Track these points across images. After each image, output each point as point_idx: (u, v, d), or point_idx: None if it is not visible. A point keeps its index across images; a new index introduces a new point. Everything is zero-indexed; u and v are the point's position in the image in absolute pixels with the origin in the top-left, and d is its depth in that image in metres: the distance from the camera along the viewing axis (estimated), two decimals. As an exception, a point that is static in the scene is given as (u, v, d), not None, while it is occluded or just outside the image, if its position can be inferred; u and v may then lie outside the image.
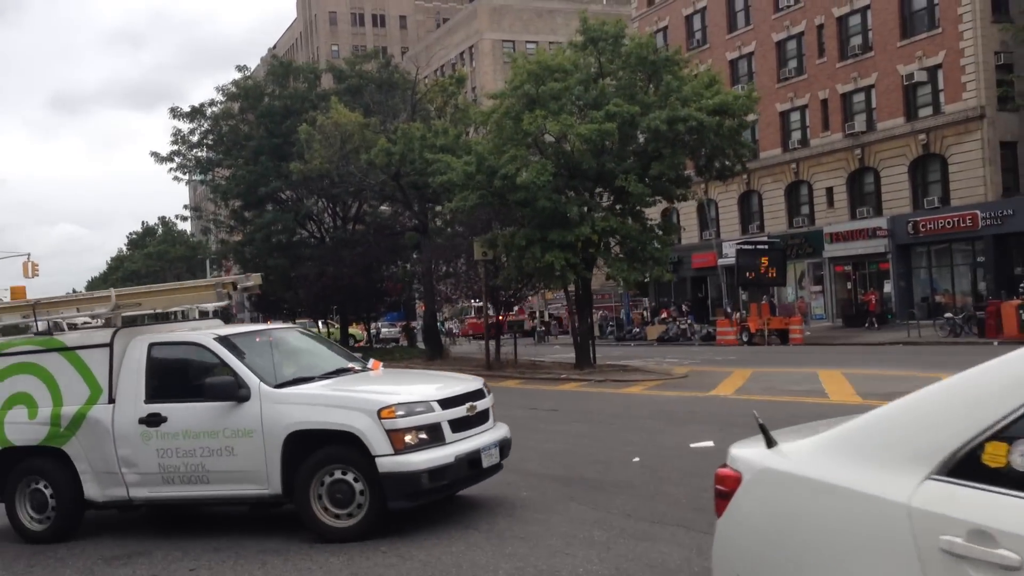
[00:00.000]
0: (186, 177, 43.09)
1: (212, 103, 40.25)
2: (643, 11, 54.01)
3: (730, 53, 47.55)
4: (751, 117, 24.33)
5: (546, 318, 57.01)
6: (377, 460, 7.39)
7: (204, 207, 44.45)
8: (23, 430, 8.60)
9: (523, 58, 23.97)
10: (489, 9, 77.45)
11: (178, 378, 8.65)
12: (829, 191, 42.75)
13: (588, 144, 22.23)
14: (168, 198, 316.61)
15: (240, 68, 39.30)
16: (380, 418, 7.43)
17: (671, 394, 18.13)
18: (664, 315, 48.15)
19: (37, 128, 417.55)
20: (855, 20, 41.90)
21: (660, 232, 23.99)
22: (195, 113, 40.00)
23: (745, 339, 38.16)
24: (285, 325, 13.01)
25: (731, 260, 40.48)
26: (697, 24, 50.66)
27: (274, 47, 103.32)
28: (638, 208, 24.01)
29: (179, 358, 8.74)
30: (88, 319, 9.76)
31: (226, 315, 9.48)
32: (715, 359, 26.78)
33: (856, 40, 41.41)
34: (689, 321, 46.40)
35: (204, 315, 10.29)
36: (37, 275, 54.63)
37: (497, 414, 15.17)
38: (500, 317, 31.98)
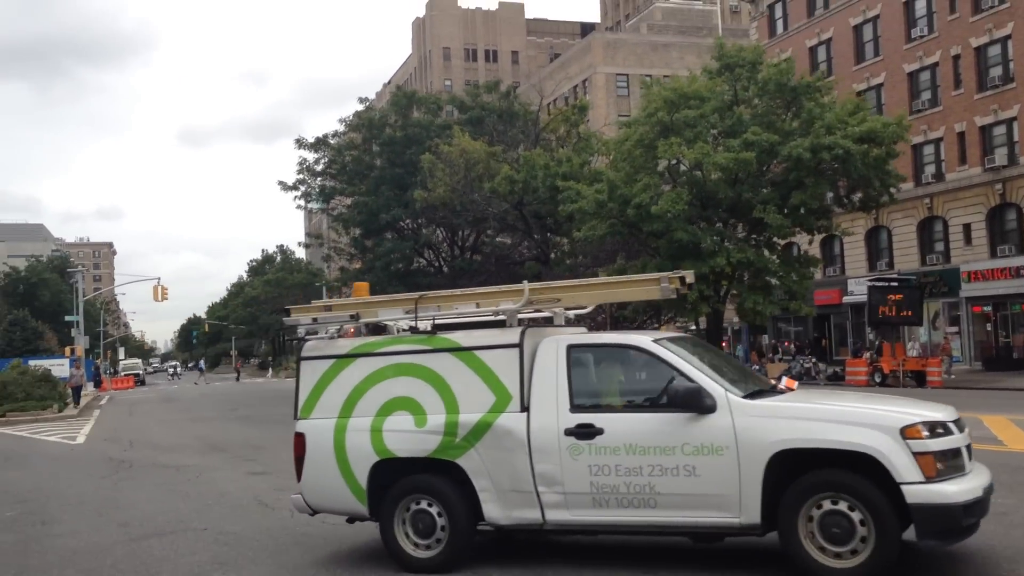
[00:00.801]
0: (310, 205, 44.12)
1: (336, 134, 41.18)
2: (764, 42, 52.98)
3: (857, 84, 45.99)
4: (900, 146, 23.24)
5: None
6: (904, 488, 6.24)
7: (325, 235, 45.31)
8: (408, 439, 7.64)
9: (658, 84, 23.52)
10: (603, 43, 77.56)
11: (611, 385, 7.78)
12: (967, 227, 40.70)
13: (724, 173, 21.63)
14: (284, 228, 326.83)
15: (363, 100, 40.18)
16: (904, 438, 6.33)
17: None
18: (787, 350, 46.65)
19: (162, 161, 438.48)
20: (994, 51, 39.99)
21: (798, 265, 23.04)
22: (319, 144, 40.97)
23: (878, 380, 36.49)
24: (670, 333, 11.39)
25: (859, 297, 38.88)
26: (822, 55, 49.25)
27: (389, 82, 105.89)
28: (774, 239, 23.19)
29: (609, 362, 7.85)
30: (407, 324, 8.33)
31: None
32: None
33: (996, 71, 39.51)
34: (813, 360, 44.80)
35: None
36: (166, 299, 57.00)
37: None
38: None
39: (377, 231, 40.29)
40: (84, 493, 13.35)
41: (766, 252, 22.59)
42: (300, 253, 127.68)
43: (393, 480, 7.71)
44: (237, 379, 75.25)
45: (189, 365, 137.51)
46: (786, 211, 21.73)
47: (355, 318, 8.34)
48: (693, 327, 28.64)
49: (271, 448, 18.26)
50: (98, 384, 59.86)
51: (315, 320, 8.56)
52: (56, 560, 9.03)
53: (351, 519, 8.45)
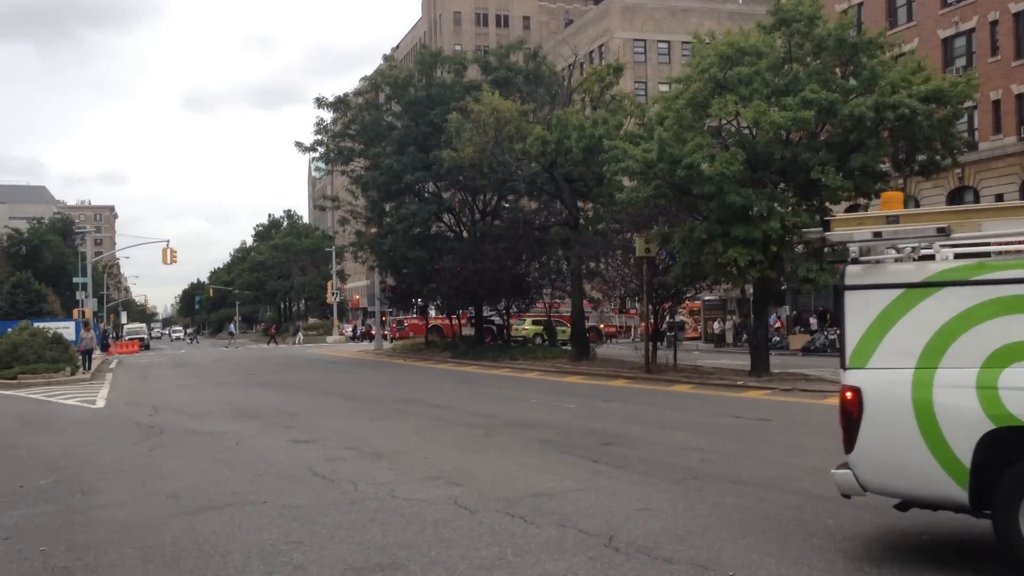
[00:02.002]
0: (327, 167, 42.94)
1: (357, 92, 39.92)
2: (792, 6, 51.46)
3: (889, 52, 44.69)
4: (967, 104, 22.06)
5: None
6: None
7: (341, 199, 44.15)
8: None
9: (711, 38, 22.29)
10: (621, 8, 75.88)
11: None
12: (998, 198, 39.53)
13: (780, 133, 20.49)
14: (289, 194, 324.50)
15: (387, 58, 38.83)
16: None
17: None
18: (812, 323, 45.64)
19: (166, 126, 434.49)
20: (1034, 16, 38.76)
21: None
22: (339, 103, 39.71)
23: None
24: None
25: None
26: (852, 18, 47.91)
27: (397, 47, 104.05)
28: (826, 204, 22.11)
29: None
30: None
31: None
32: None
33: (1036, 38, 38.28)
34: (838, 332, 43.76)
35: None
36: (175, 262, 55.93)
37: (703, 421, 13.62)
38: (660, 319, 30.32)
39: (397, 194, 39.14)
40: (120, 460, 12.41)
41: (817, 217, 21.37)
42: (308, 218, 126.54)
43: (1017, 457, 5.80)
44: (272, 343, 72.38)
45: (189, 331, 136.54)
46: (841, 174, 20.48)
47: (944, 232, 6.25)
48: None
49: (306, 415, 17.37)
50: (106, 348, 58.93)
51: (877, 235, 6.43)
52: (107, 536, 8.09)
53: (906, 505, 6.53)
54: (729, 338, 54.63)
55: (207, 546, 7.60)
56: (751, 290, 25.17)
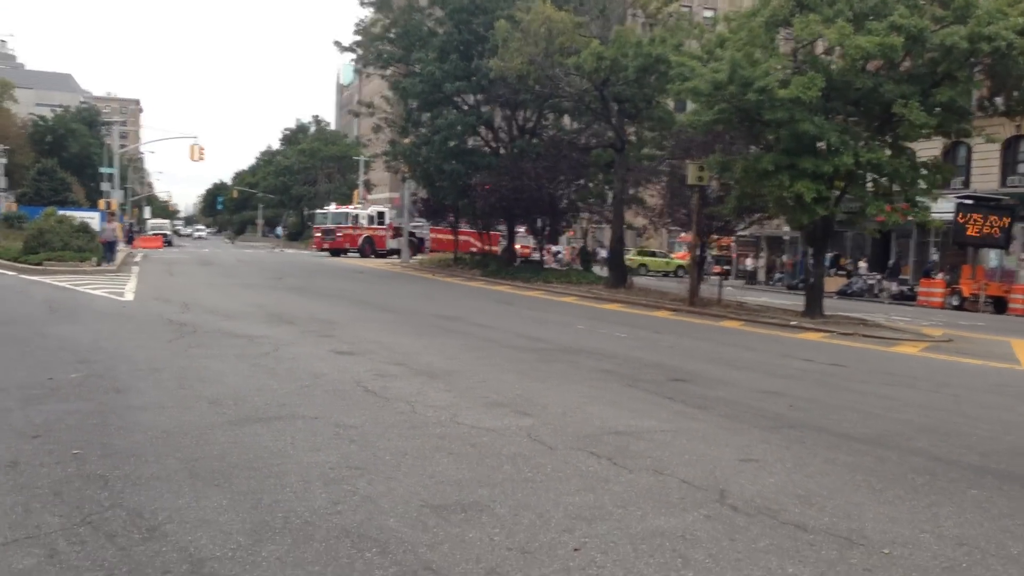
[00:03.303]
0: (364, 70, 41.48)
1: (400, -8, 38.23)
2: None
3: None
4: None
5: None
6: None
7: (376, 104, 42.73)
8: None
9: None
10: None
11: None
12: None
13: (864, 60, 19.05)
14: (315, 100, 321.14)
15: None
16: None
17: (966, 361, 15.33)
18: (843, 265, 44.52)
19: (192, 22, 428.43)
20: None
21: (928, 172, 20.63)
22: (383, 4, 38.03)
23: (955, 303, 34.52)
24: None
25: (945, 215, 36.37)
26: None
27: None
28: (901, 141, 20.76)
29: None
30: None
31: None
32: (958, 323, 23.58)
33: None
34: (878, 277, 42.73)
35: None
36: (203, 159, 54.92)
37: (771, 362, 12.66)
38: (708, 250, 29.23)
39: (435, 103, 37.71)
40: (155, 358, 11.59)
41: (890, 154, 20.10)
42: (335, 125, 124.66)
43: None
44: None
45: (226, 231, 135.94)
46: (923, 109, 19.09)
47: None
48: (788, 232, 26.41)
49: (344, 324, 16.54)
50: (130, 241, 58.46)
51: None
52: (146, 442, 7.27)
53: None
54: (761, 276, 53.62)
55: (259, 463, 6.76)
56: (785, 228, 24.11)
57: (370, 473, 6.61)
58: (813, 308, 21.78)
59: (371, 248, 56.68)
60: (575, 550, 5.15)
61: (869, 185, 20.97)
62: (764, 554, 5.18)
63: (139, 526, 5.36)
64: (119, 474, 6.38)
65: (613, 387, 10.76)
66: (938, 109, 19.50)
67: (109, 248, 34.10)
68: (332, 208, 60.72)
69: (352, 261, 51.07)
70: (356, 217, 57.83)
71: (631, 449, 7.58)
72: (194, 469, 6.56)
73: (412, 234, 56.94)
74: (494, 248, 56.13)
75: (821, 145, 20.54)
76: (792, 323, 20.66)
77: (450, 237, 51.94)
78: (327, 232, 57.45)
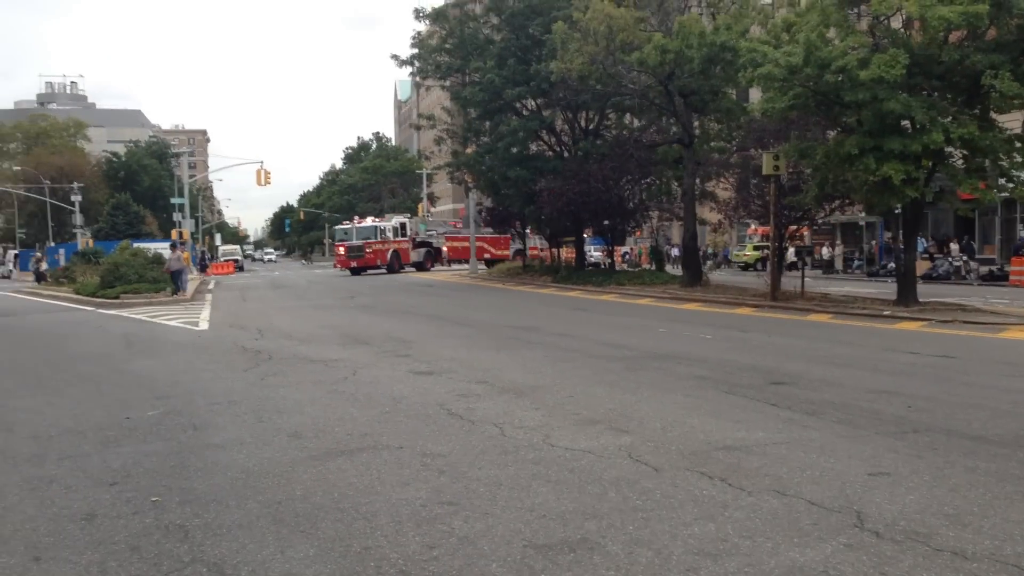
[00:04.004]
0: (423, 83, 41.36)
1: (455, 4, 37.94)
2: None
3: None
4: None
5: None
6: None
7: (437, 116, 42.55)
8: None
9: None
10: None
11: None
12: None
13: (946, 32, 17.99)
14: (374, 119, 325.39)
15: (487, -33, 36.60)
16: None
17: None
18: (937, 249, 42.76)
19: (248, 51, 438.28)
20: None
21: (1020, 144, 19.38)
22: (438, 15, 37.82)
23: (1052, 283, 32.80)
24: None
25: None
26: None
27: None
28: (990, 115, 19.58)
29: None
30: None
31: None
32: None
33: None
34: (964, 258, 40.93)
35: None
36: (269, 183, 55.51)
37: (873, 357, 11.79)
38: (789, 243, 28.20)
39: (496, 111, 37.34)
40: (232, 390, 11.30)
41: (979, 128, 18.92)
42: (395, 141, 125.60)
43: None
44: None
45: (279, 252, 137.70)
46: (1015, 79, 17.91)
47: None
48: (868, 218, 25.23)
49: (419, 342, 16.12)
50: (204, 269, 59.37)
51: None
52: (226, 485, 6.87)
53: None
54: (838, 264, 51.94)
55: (345, 503, 6.30)
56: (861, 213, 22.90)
57: (465, 509, 6.09)
58: (906, 295, 20.67)
59: (398, 263, 53.58)
60: (705, 595, 4.54)
61: (959, 162, 19.80)
62: (925, 591, 4.49)
63: (222, 584, 4.91)
64: (199, 523, 5.97)
65: (710, 395, 10.07)
66: (1029, 78, 18.24)
67: (176, 277, 33.13)
68: (356, 223, 56.21)
69: (418, 275, 51.00)
70: (383, 231, 53.86)
71: (745, 467, 6.91)
72: (277, 514, 6.12)
73: (429, 244, 56.32)
74: (505, 253, 56.78)
75: (905, 124, 19.50)
76: (885, 313, 19.60)
77: (465, 245, 53.67)
78: (354, 249, 52.91)
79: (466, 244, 54.72)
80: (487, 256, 57.11)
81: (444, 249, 57.38)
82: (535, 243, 53.54)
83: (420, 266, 54.78)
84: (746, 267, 49.96)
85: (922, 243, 42.54)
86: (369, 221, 55.62)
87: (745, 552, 5.11)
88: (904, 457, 7.08)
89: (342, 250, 53.90)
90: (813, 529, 5.46)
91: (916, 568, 4.77)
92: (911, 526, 5.44)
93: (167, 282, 32.06)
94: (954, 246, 40.93)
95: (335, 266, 56.94)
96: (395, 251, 53.35)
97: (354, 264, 52.46)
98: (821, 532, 5.40)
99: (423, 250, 55.58)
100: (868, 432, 7.98)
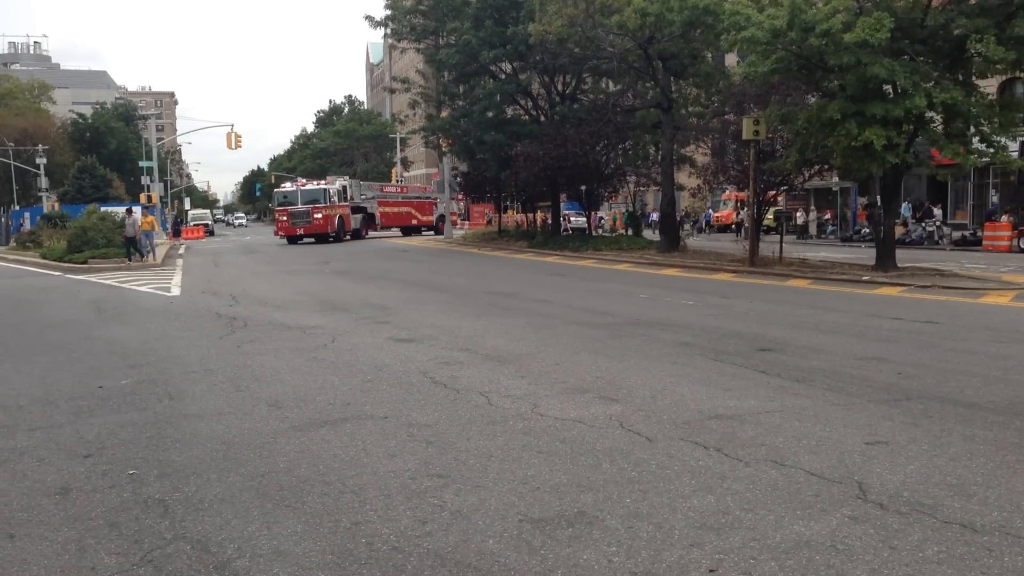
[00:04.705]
0: (402, 43, 40.65)
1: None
2: None
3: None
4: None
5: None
6: None
7: (412, 80, 41.88)
8: None
9: None
10: None
11: None
12: None
13: (930, -6, 17.83)
14: (346, 82, 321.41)
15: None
16: None
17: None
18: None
19: (216, 14, 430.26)
20: None
21: (1003, 109, 19.34)
22: (411, -27, 37.09)
23: (1023, 246, 33.10)
24: None
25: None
26: None
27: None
28: (972, 79, 19.50)
29: None
30: None
31: None
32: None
33: None
34: (937, 223, 41.19)
35: None
36: (240, 146, 54.58)
37: (858, 323, 11.72)
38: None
39: (472, 75, 36.80)
40: (207, 358, 11.01)
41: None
42: (367, 105, 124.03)
43: None
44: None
45: (250, 217, 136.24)
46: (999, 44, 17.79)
47: None
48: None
49: (398, 309, 15.87)
50: (178, 233, 58.40)
51: None
52: (206, 457, 6.63)
53: None
54: (812, 230, 52.14)
55: (331, 476, 6.09)
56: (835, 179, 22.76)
57: (456, 482, 5.90)
58: (885, 261, 20.68)
59: (343, 230, 49.01)
60: (711, 572, 4.38)
61: (939, 127, 19.74)
62: (936, 565, 4.37)
63: (206, 563, 4.70)
64: (179, 497, 5.74)
65: (698, 362, 9.94)
66: (1015, 42, 18.13)
67: (132, 243, 30.60)
68: (300, 184, 50.76)
69: (390, 240, 50.55)
70: (330, 194, 48.37)
71: (740, 436, 6.78)
72: (261, 487, 5.90)
73: (364, 209, 52.18)
74: (428, 219, 55.82)
75: (887, 89, 19.37)
76: (864, 278, 19.60)
77: (398, 210, 53.02)
78: (300, 215, 47.30)
79: (399, 210, 53.86)
80: (414, 222, 55.97)
81: (377, 215, 53.59)
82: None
83: (356, 233, 50.98)
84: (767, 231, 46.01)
85: (907, 208, 42.69)
86: (315, 184, 50.37)
87: (748, 525, 4.97)
88: (900, 425, 6.98)
89: (284, 216, 48.36)
90: (815, 501, 5.32)
91: (926, 541, 4.65)
92: (915, 497, 5.32)
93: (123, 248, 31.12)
94: (937, 211, 41.10)
95: (276, 234, 50.97)
96: (341, 217, 48.84)
97: (300, 231, 47.41)
98: (824, 504, 5.26)
99: (359, 216, 51.68)
100: (861, 400, 7.88)
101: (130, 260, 29.39)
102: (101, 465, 6.52)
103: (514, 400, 8.22)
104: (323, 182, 50.44)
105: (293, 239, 47.60)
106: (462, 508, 5.39)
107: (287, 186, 51.84)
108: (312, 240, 47.67)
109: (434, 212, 57.10)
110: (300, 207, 47.50)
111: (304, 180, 52.78)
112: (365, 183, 57.65)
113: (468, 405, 8.09)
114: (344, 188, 50.36)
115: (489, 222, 56.44)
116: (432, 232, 56.62)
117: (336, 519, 5.27)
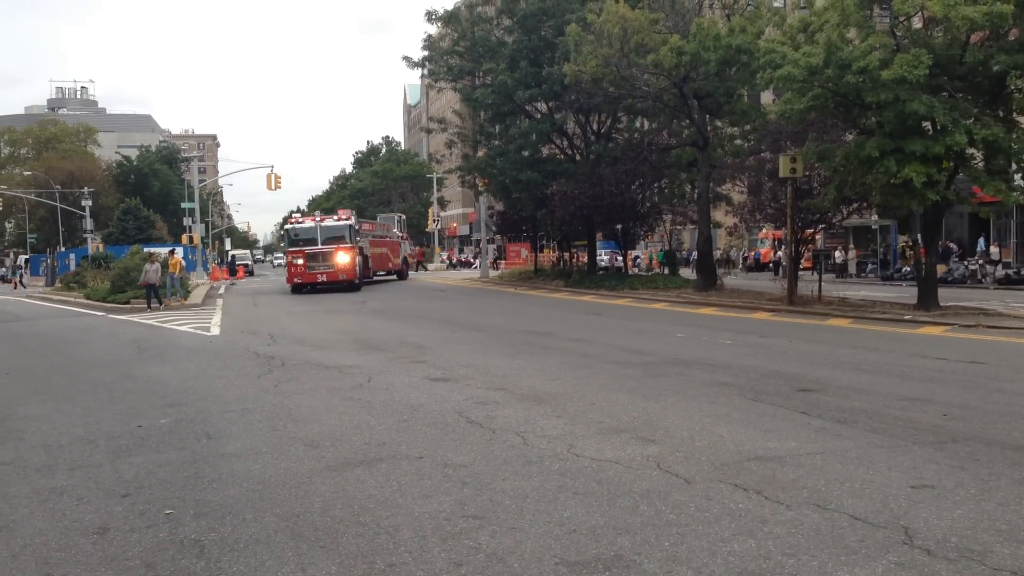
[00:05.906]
0: (436, 85, 41.17)
1: (469, 5, 37.77)
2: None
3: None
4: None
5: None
6: None
7: (449, 119, 42.34)
8: None
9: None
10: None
11: None
12: None
13: (969, 32, 17.70)
14: (383, 124, 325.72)
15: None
16: None
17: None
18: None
19: (256, 57, 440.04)
20: None
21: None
22: (450, 18, 37.63)
23: (1072, 286, 32.41)
24: None
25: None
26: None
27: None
28: (1013, 115, 19.28)
29: None
30: None
31: None
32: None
33: None
34: (980, 262, 40.54)
35: None
36: (279, 187, 55.37)
37: (900, 363, 11.48)
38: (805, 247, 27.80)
39: (507, 114, 37.13)
40: (245, 397, 11.08)
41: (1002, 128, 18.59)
42: (404, 146, 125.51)
43: None
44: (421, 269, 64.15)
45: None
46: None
47: None
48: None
49: (434, 348, 15.87)
50: (233, 272, 58.62)
51: None
52: (243, 497, 6.64)
53: None
54: (852, 268, 51.55)
55: (366, 517, 6.05)
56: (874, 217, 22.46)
57: (491, 523, 5.84)
58: (927, 300, 20.34)
59: (363, 274, 40.50)
60: (753, 618, 4.27)
61: (979, 164, 19.50)
62: (987, 615, 4.22)
63: (241, 605, 4.67)
64: (215, 538, 5.74)
65: (736, 402, 9.80)
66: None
67: (153, 291, 28.89)
68: (319, 220, 39.22)
69: (429, 279, 50.77)
70: (354, 231, 38.78)
71: (780, 478, 6.65)
72: (296, 528, 5.88)
73: (361, 250, 40.31)
74: (397, 263, 48.68)
75: (926, 125, 19.20)
76: (906, 317, 19.28)
77: (384, 250, 46.10)
78: (317, 256, 37.38)
79: (384, 251, 46.31)
80: (389, 266, 47.92)
81: (369, 257, 43.28)
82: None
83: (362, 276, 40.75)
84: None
85: (953, 248, 42.22)
86: (334, 219, 39.43)
87: (790, 571, 4.85)
88: (946, 469, 6.80)
89: (300, 259, 37.39)
90: (860, 546, 5.19)
91: (975, 590, 4.50)
92: (963, 543, 5.17)
93: (182, 287, 31.74)
94: (994, 249, 40.42)
95: (289, 281, 38.65)
96: (364, 259, 40.70)
97: (323, 277, 37.00)
98: (868, 549, 5.13)
99: (360, 258, 40.26)
100: (905, 442, 7.70)
101: (149, 307, 28.44)
102: (139, 504, 6.55)
103: (550, 440, 8.15)
104: (342, 215, 39.79)
105: (311, 287, 37.24)
106: (497, 550, 5.33)
107: (301, 220, 39.85)
108: (324, 288, 37.40)
109: (400, 253, 49.34)
110: (322, 248, 37.41)
111: (323, 215, 42.08)
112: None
113: (504, 445, 8.04)
114: (361, 224, 42.64)
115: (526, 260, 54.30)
116: (396, 277, 49.28)
117: (371, 561, 5.23)
